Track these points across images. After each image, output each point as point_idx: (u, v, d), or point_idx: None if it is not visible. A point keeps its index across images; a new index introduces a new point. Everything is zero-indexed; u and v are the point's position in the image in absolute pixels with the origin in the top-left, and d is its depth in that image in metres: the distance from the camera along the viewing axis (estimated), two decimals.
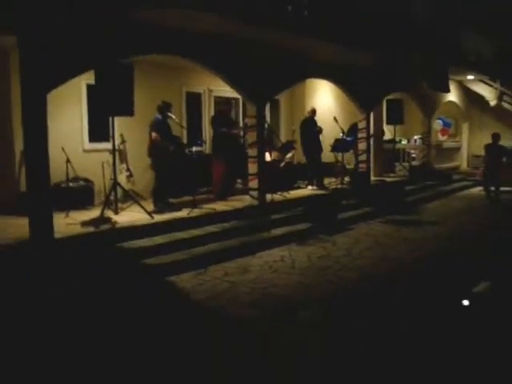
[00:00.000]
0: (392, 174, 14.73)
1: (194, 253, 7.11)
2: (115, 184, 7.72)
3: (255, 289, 6.02)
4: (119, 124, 9.11)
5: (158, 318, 5.01)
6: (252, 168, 9.20)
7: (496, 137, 14.12)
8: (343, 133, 11.53)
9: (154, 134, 8.11)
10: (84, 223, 7.24)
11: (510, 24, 16.49)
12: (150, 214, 7.79)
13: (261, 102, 9.24)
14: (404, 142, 16.14)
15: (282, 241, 8.23)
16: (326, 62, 10.68)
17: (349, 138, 11.88)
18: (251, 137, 9.24)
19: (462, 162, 18.81)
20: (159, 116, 8.31)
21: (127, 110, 7.44)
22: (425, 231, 9.48)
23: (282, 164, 11.16)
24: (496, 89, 17.22)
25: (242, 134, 10.43)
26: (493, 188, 13.42)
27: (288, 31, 8.37)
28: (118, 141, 9.16)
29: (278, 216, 9.06)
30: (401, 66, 12.48)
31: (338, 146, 11.59)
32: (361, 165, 12.44)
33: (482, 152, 17.20)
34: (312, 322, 5.12)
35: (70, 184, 8.35)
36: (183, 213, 8.21)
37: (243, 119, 11.48)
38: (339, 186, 11.67)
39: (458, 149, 18.63)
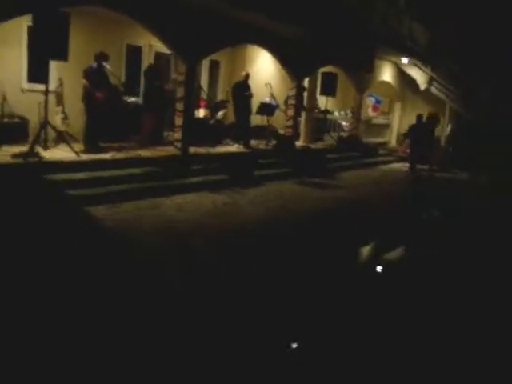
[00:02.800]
0: (320, 143, 15.81)
1: (112, 189, 7.97)
2: (45, 123, 8.39)
3: (158, 222, 6.97)
4: (59, 68, 9.71)
5: (66, 234, 5.90)
6: (178, 121, 10.02)
7: (420, 118, 15.41)
8: (273, 98, 12.47)
9: (83, 81, 8.81)
10: (14, 155, 7.94)
11: (443, 14, 17.72)
12: (77, 152, 8.55)
13: (192, 60, 10.01)
14: (336, 113, 17.22)
15: (196, 188, 9.19)
16: (262, 31, 11.47)
17: (274, 103, 12.83)
18: (180, 92, 10.02)
19: (392, 138, 20.17)
20: (94, 65, 8.99)
21: (61, 55, 8.08)
22: (330, 193, 10.63)
23: (212, 121, 12.00)
24: (427, 74, 18.46)
25: (173, 88, 11.15)
26: (417, 165, 14.79)
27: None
28: (55, 84, 9.79)
29: (198, 167, 9.96)
30: (333, 43, 13.40)
31: (263, 109, 12.53)
32: (287, 130, 13.41)
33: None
34: (195, 249, 6.12)
35: (5, 120, 8.97)
36: (109, 155, 9.00)
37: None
38: (264, 148, 12.64)
39: (387, 126, 19.95)
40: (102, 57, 9.13)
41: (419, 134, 15.11)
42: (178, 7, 9.48)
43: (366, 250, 7.32)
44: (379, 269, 6.35)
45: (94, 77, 8.91)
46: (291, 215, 8.28)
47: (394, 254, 7.16)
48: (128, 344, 3.76)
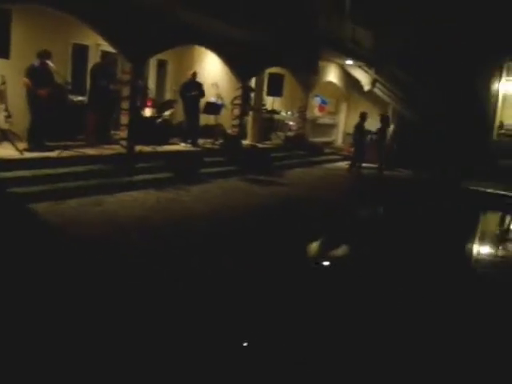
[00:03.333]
0: (267, 142, 16.21)
1: (55, 187, 8.10)
2: None
3: (100, 217, 7.18)
4: (1, 66, 9.71)
5: (7, 229, 6.04)
6: (124, 120, 10.20)
7: (363, 116, 15.89)
8: (219, 97, 12.79)
9: (25, 79, 8.89)
10: None
11: (384, 19, 18.56)
12: (20, 150, 8.63)
13: (136, 59, 10.20)
14: (283, 113, 17.68)
15: (141, 186, 9.39)
16: (207, 32, 11.75)
17: (219, 103, 13.16)
18: (125, 91, 10.19)
19: (338, 138, 20.81)
20: (36, 63, 9.07)
21: (3, 53, 8.14)
22: (272, 189, 11.03)
23: (159, 120, 12.19)
24: (371, 76, 19.17)
25: (119, 88, 11.28)
26: (357, 164, 15.31)
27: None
28: None
29: (143, 165, 10.17)
30: (278, 44, 13.84)
31: (209, 108, 12.84)
32: (233, 129, 13.75)
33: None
34: (132, 242, 6.37)
35: None
36: (54, 153, 9.10)
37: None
38: (211, 146, 12.94)
39: (333, 125, 20.58)
40: (44, 55, 9.20)
41: (362, 133, 15.62)
42: (123, 6, 9.66)
43: (311, 247, 7.71)
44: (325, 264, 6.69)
45: (37, 75, 8.99)
46: (231, 210, 8.62)
47: (339, 251, 7.57)
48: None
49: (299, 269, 6.27)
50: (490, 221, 11.89)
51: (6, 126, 9.59)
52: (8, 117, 9.98)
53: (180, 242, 6.63)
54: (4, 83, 10.01)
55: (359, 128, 15.40)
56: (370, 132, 16.07)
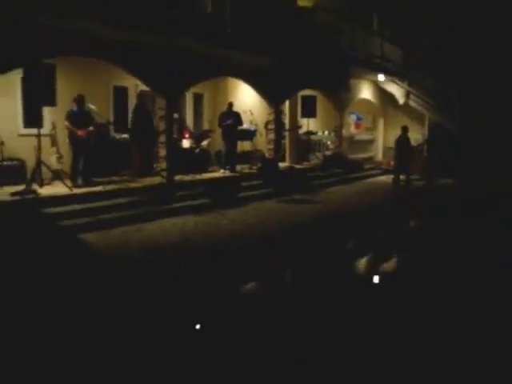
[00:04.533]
0: (306, 163, 16.67)
1: (101, 218, 8.85)
2: (39, 162, 9.34)
3: (141, 242, 7.84)
4: (52, 113, 10.70)
5: (60, 257, 6.77)
6: (162, 152, 10.96)
7: (404, 129, 16.03)
8: (251, 124, 13.47)
9: (65, 123, 9.84)
10: (13, 193, 8.88)
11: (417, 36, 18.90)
12: (70, 187, 9.49)
13: (170, 96, 10.99)
14: (320, 133, 18.13)
15: (181, 212, 10.06)
16: (236, 63, 12.47)
17: (252, 129, 13.80)
18: (162, 125, 10.98)
19: (377, 153, 21.02)
20: (74, 108, 9.99)
21: (51, 102, 9.10)
22: (307, 207, 11.47)
23: (197, 150, 12.92)
24: (404, 88, 19.41)
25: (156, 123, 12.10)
26: (402, 176, 15.38)
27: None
28: (49, 127, 10.79)
29: (182, 193, 10.85)
30: (307, 68, 14.41)
31: (241, 135, 13.50)
32: (270, 153, 14.32)
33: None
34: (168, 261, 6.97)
35: (4, 163, 9.95)
36: (99, 188, 9.93)
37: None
38: (248, 171, 13.54)
39: (372, 141, 20.83)
40: (79, 99, 10.11)
41: (403, 146, 15.70)
42: (154, 49, 10.50)
43: (360, 262, 7.96)
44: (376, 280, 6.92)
45: (76, 118, 9.89)
46: (265, 229, 9.12)
47: (388, 266, 7.80)
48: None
49: (316, 277, 6.68)
50: None
51: (58, 167, 10.54)
52: (60, 158, 10.96)
53: (210, 256, 7.20)
54: (54, 128, 11.03)
55: (401, 141, 15.50)
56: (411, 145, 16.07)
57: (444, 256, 7.87)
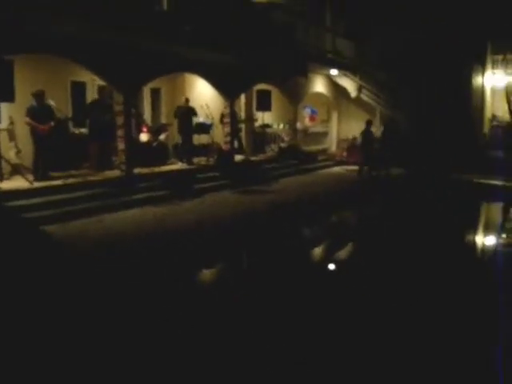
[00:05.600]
0: (262, 155, 17.23)
1: (62, 210, 9.19)
2: None
3: (100, 232, 8.25)
4: (10, 108, 10.88)
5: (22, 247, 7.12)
6: (120, 146, 11.32)
7: (368, 123, 16.79)
8: (208, 117, 13.96)
9: (26, 119, 10.08)
10: None
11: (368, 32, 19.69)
12: (30, 181, 9.76)
13: (127, 91, 11.34)
14: (275, 126, 18.72)
15: (140, 204, 10.48)
16: (191, 59, 12.87)
17: (208, 122, 14.28)
18: (119, 120, 11.32)
19: (332, 145, 21.78)
20: (34, 103, 10.23)
21: (8, 97, 9.32)
22: (261, 197, 12.06)
23: (155, 144, 13.30)
24: (356, 82, 20.20)
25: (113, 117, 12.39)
26: (365, 168, 16.13)
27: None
28: (7, 122, 10.99)
29: (141, 185, 11.25)
30: (262, 63, 14.93)
31: (198, 128, 13.97)
32: (226, 146, 14.82)
33: (349, 136, 20.40)
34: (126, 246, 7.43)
35: None
36: (60, 181, 10.23)
37: None
38: (205, 163, 14.01)
39: (326, 133, 21.58)
40: (39, 94, 10.36)
41: (368, 138, 16.51)
42: (111, 46, 10.82)
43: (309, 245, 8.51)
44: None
45: (36, 113, 10.14)
46: (218, 217, 9.67)
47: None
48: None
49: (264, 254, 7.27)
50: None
51: (17, 161, 10.76)
52: (18, 152, 11.17)
53: (167, 243, 7.69)
54: (12, 123, 11.22)
55: (366, 134, 16.29)
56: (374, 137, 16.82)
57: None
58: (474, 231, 9.94)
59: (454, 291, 5.89)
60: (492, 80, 24.64)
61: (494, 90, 24.91)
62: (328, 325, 4.95)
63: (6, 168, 10.13)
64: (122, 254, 7.20)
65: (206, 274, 7.07)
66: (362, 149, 16.60)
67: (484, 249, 8.52)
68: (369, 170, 16.07)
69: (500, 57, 24.15)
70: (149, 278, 6.27)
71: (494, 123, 24.59)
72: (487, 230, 10.11)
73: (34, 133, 10.17)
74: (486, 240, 9.16)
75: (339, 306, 5.44)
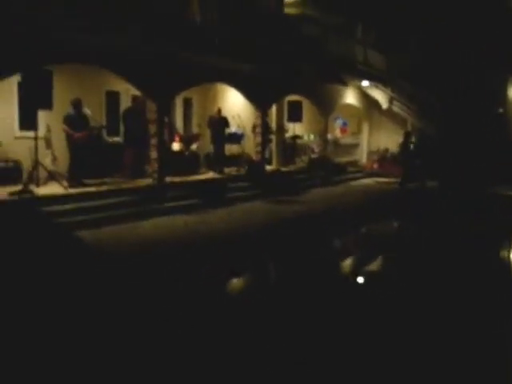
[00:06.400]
0: (292, 166, 17.22)
1: (95, 216, 9.32)
2: (36, 163, 9.79)
3: (134, 238, 8.33)
4: (47, 116, 11.14)
5: (60, 251, 7.24)
6: (153, 154, 11.45)
7: (407, 134, 16.69)
8: (239, 127, 14.03)
9: (63, 126, 10.29)
10: (11, 193, 9.31)
11: (398, 44, 19.62)
12: (65, 187, 9.94)
13: (161, 100, 11.49)
14: (306, 137, 18.71)
15: (172, 211, 10.56)
16: (223, 70, 12.99)
17: (239, 132, 14.35)
18: (153, 128, 11.46)
19: (362, 156, 21.63)
20: (71, 111, 10.44)
21: (47, 105, 9.54)
22: (291, 207, 12.03)
23: (187, 153, 13.42)
24: (387, 94, 20.07)
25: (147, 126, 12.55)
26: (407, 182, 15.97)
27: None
28: (44, 130, 11.23)
29: (173, 194, 11.34)
30: (294, 74, 14.99)
31: (230, 138, 14.06)
32: (257, 156, 14.86)
33: (380, 147, 20.30)
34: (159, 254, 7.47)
35: (1, 164, 10.38)
36: (93, 188, 10.39)
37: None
38: (236, 173, 14.07)
39: (356, 145, 21.46)
40: (76, 103, 10.57)
41: (408, 151, 16.44)
42: (145, 56, 11.00)
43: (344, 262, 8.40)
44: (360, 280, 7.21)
45: (73, 121, 10.35)
46: (249, 226, 9.68)
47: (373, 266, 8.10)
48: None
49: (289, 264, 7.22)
50: None
51: (52, 168, 10.98)
52: (54, 159, 11.39)
53: (198, 250, 7.77)
54: (49, 131, 11.47)
55: (404, 146, 16.21)
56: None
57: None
58: None
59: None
60: None
61: None
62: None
63: (43, 174, 10.34)
64: (154, 258, 7.25)
65: (233, 280, 7.03)
66: (402, 161, 16.44)
67: None
68: (405, 182, 15.92)
69: None
70: (177, 283, 6.28)
71: None
72: None
73: (70, 140, 10.37)
74: None
75: (355, 318, 5.34)
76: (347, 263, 8.20)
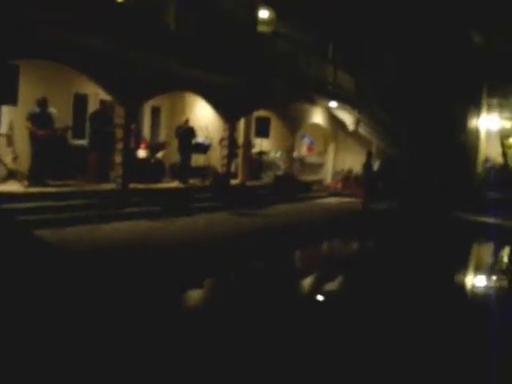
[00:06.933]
0: (257, 181, 17.29)
1: (55, 217, 9.16)
2: None
3: (93, 240, 8.21)
4: (10, 113, 10.92)
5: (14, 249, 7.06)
6: (118, 159, 11.35)
7: (369, 155, 16.95)
8: (207, 138, 14.10)
9: (26, 123, 10.13)
10: None
11: (368, 67, 20.13)
12: (25, 186, 9.74)
13: (130, 106, 11.44)
14: (272, 154, 18.85)
15: (134, 217, 10.47)
16: (194, 80, 13.03)
17: (206, 143, 14.39)
18: (119, 133, 11.37)
19: (327, 176, 21.90)
20: (36, 109, 10.27)
21: (11, 100, 9.33)
22: (252, 220, 12.08)
23: (152, 160, 13.34)
24: (354, 116, 20.47)
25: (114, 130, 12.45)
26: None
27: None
28: (6, 127, 11.00)
29: (136, 199, 11.25)
30: (264, 90, 15.15)
31: (196, 148, 14.07)
32: (222, 169, 14.89)
33: (345, 168, 20.64)
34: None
35: None
36: (54, 188, 10.21)
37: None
38: (200, 184, 14.06)
39: (322, 164, 21.74)
40: (42, 101, 10.42)
41: (370, 171, 16.68)
42: (117, 60, 10.96)
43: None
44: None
45: (37, 119, 10.18)
46: (209, 236, 9.68)
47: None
48: None
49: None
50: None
51: (13, 167, 10.75)
52: (15, 158, 11.14)
53: (153, 255, 7.71)
54: (12, 129, 11.23)
55: (368, 166, 16.44)
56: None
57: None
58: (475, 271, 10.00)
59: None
60: (487, 123, 25.07)
61: (488, 133, 25.31)
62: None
63: (2, 172, 10.11)
64: (112, 258, 7.16)
65: (191, 291, 7.02)
66: (365, 181, 16.65)
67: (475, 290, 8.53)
68: (368, 203, 16.13)
69: (495, 100, 24.63)
70: (133, 282, 6.22)
71: (488, 165, 24.93)
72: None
73: (33, 138, 10.18)
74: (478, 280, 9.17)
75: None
76: (296, 275, 8.30)
